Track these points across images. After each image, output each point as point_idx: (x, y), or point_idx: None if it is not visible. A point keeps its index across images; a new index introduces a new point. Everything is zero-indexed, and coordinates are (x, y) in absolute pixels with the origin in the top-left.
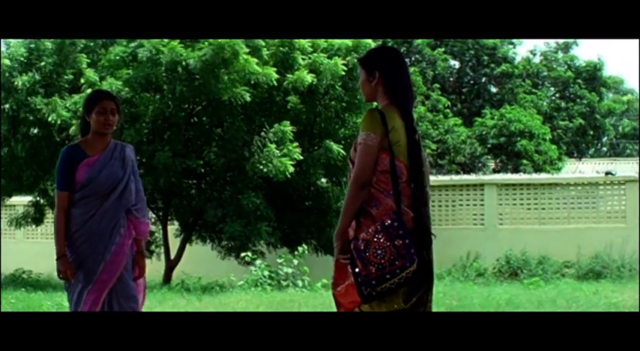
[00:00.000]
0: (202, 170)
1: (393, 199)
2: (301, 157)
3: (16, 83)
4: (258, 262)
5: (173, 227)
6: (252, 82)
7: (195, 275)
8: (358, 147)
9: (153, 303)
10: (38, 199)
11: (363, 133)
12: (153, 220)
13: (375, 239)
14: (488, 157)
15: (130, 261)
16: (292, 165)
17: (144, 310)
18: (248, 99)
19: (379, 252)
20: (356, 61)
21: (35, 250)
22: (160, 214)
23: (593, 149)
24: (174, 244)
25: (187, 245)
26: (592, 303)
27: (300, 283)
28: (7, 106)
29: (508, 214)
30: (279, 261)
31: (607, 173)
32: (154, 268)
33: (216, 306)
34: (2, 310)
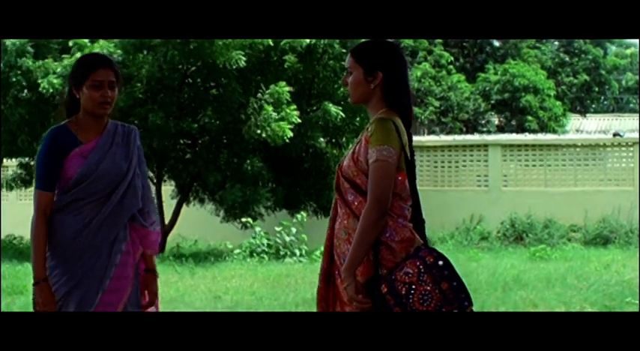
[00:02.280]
0: (197, 133)
1: (409, 227)
2: (299, 120)
3: (5, 44)
4: (257, 229)
5: (169, 188)
6: (249, 44)
7: (192, 238)
8: (374, 165)
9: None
10: (28, 160)
11: (380, 147)
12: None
13: (420, 282)
14: (492, 113)
15: (135, 284)
16: (290, 128)
17: None
18: (243, 64)
19: (425, 298)
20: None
21: (28, 212)
22: (154, 176)
23: (596, 105)
24: (169, 205)
25: (185, 206)
26: (603, 280)
27: (297, 252)
28: None
29: (512, 176)
30: (278, 229)
31: (615, 134)
32: None
33: (208, 282)
34: None
